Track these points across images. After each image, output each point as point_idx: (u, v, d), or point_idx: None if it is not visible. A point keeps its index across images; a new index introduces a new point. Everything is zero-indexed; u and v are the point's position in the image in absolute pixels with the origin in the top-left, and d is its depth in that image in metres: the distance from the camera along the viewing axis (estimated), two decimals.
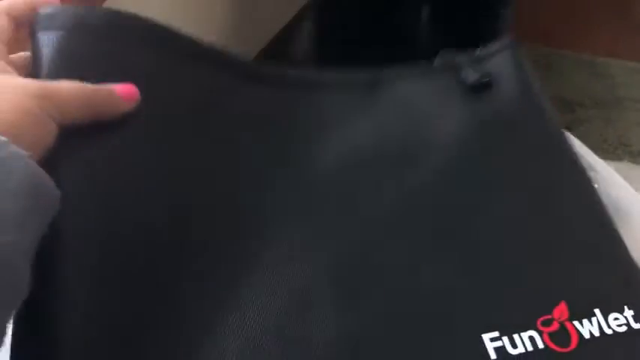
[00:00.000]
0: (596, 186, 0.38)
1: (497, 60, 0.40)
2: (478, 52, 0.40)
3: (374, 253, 0.32)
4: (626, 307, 0.30)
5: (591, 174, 0.38)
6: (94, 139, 0.29)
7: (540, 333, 0.29)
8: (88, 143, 0.29)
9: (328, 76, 0.40)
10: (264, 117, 0.36)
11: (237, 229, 0.31)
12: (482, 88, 0.37)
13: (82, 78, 0.29)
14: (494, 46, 0.41)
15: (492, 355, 0.28)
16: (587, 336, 0.29)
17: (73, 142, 0.28)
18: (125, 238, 0.28)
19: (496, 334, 0.28)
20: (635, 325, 0.29)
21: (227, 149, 0.34)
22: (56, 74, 0.29)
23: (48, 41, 0.31)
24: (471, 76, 0.37)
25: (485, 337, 0.28)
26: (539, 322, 0.29)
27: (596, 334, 0.29)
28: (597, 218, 0.34)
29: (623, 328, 0.29)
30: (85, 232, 0.27)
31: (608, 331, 0.29)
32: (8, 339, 0.25)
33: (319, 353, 0.27)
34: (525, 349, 0.28)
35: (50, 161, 0.27)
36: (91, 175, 0.29)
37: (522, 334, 0.28)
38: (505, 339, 0.28)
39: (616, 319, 0.30)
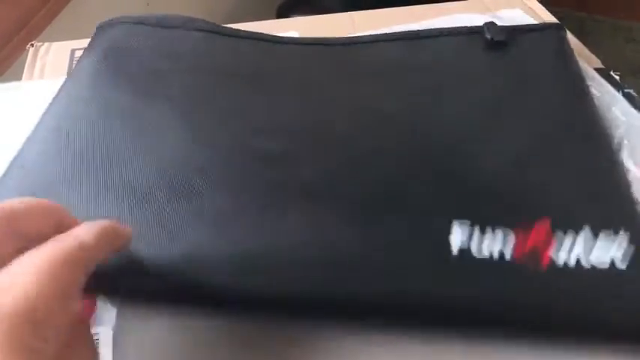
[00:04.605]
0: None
1: (538, 34, 0.42)
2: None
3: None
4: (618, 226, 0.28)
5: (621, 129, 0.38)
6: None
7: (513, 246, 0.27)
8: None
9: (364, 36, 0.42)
10: (306, 68, 0.39)
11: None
12: (500, 44, 0.41)
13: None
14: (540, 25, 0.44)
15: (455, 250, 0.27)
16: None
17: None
18: None
19: (467, 222, 0.27)
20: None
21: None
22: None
23: (108, 33, 0.40)
24: (489, 33, 0.41)
25: (456, 222, 0.27)
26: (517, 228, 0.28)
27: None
28: (599, 147, 0.33)
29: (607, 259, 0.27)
30: None
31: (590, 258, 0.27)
32: None
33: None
34: (491, 255, 0.26)
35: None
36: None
37: (496, 230, 0.27)
38: (476, 228, 0.27)
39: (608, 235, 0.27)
